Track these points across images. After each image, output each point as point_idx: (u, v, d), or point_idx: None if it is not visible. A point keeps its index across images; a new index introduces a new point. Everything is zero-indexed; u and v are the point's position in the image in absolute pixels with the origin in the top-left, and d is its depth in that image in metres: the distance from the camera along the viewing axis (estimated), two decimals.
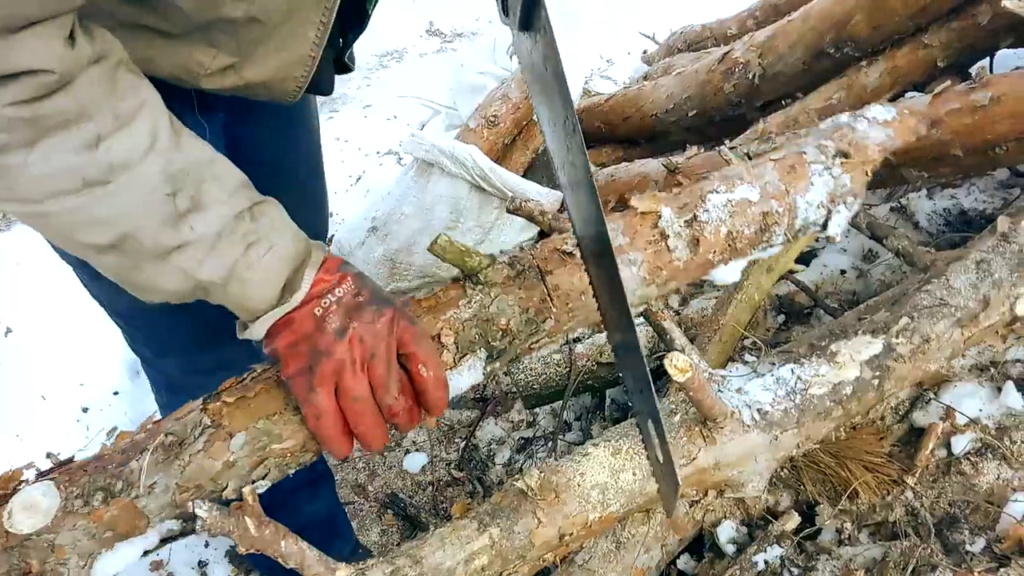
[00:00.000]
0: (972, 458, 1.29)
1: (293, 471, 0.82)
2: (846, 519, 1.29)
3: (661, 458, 0.79)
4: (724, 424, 1.06)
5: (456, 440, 1.97)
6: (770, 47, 1.98)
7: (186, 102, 0.90)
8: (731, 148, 1.58)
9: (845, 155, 1.02)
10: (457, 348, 0.83)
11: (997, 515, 1.20)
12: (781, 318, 1.84)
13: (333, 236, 2.41)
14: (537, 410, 1.96)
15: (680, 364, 0.92)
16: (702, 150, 1.74)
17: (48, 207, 0.66)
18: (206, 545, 1.77)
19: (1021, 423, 1.31)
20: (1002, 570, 1.10)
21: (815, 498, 1.32)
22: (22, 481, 0.76)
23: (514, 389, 1.86)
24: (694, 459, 1.05)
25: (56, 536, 0.73)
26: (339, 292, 0.76)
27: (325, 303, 0.75)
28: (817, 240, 1.83)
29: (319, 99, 1.26)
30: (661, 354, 1.16)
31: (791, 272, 1.72)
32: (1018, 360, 1.40)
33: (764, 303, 1.72)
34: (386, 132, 3.50)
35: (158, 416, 1.38)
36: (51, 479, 0.76)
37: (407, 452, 1.94)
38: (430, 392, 0.77)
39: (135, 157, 0.67)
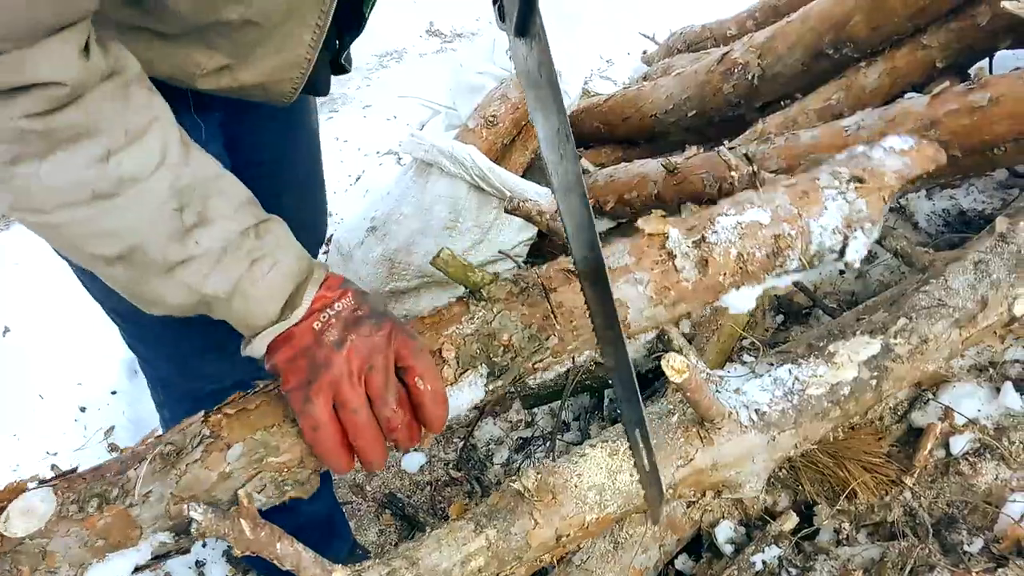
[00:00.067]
0: (970, 458, 1.29)
1: (291, 491, 0.81)
2: (844, 519, 1.29)
3: (647, 466, 0.80)
4: (722, 425, 1.05)
5: (454, 440, 1.97)
6: (769, 48, 1.98)
7: (182, 101, 0.90)
8: (730, 148, 1.58)
9: (859, 180, 1.02)
10: (458, 363, 0.83)
11: (995, 515, 1.20)
12: (779, 318, 1.84)
13: (332, 236, 2.41)
14: (535, 410, 1.96)
15: (677, 365, 0.92)
16: (701, 150, 1.73)
17: (58, 218, 0.67)
18: (203, 545, 1.77)
19: (1019, 423, 1.31)
20: (1000, 570, 1.10)
21: (813, 498, 1.32)
22: (25, 491, 0.76)
23: (512, 389, 1.86)
24: (691, 460, 1.05)
25: (48, 542, 0.73)
26: (338, 307, 0.77)
27: (324, 317, 0.76)
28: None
29: (318, 99, 1.26)
30: (659, 354, 1.16)
31: None
32: (1016, 360, 1.40)
33: (762, 303, 1.72)
34: (385, 132, 3.51)
35: (156, 416, 1.39)
36: (51, 486, 0.76)
37: (405, 452, 1.95)
38: (428, 406, 0.77)
39: (144, 172, 0.68)
